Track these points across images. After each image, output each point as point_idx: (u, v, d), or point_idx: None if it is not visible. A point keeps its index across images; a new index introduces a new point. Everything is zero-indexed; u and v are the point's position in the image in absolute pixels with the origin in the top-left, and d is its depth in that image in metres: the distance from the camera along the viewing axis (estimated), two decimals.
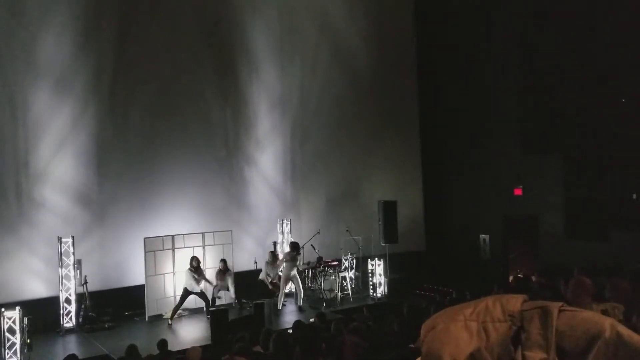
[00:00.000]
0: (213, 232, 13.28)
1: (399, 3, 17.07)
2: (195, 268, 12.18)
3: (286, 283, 13.09)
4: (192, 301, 12.65)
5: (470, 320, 1.22)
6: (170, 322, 11.98)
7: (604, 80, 12.54)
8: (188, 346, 8.28)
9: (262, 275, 13.11)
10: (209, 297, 12.44)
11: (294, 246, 13.20)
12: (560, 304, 1.20)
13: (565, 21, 13.24)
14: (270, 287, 13.02)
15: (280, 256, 13.49)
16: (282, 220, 14.53)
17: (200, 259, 12.70)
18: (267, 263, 13.14)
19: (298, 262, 13.18)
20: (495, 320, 1.21)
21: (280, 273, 13.13)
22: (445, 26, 16.63)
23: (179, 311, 12.40)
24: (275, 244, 14.29)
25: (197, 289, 12.17)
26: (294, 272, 13.02)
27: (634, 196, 12.43)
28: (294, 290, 14.11)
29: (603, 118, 12.56)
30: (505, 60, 14.91)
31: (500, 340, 1.18)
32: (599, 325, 1.13)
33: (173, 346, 9.51)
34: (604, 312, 4.40)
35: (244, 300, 12.82)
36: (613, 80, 12.46)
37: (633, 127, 12.20)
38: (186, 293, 12.14)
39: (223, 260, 12.67)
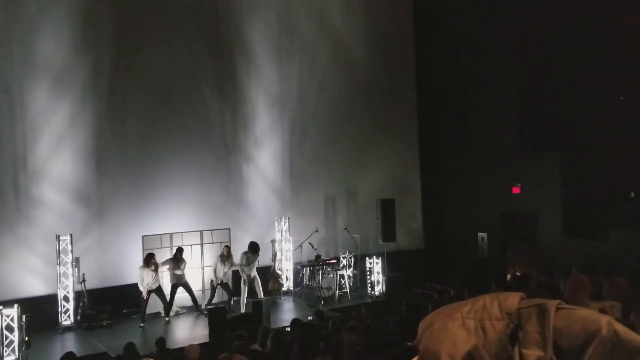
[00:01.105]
0: (211, 230, 13.29)
1: (398, 1, 17.06)
2: (155, 266, 11.71)
3: (245, 285, 12.43)
4: (190, 298, 12.64)
5: (468, 318, 1.22)
6: (167, 319, 11.97)
7: (602, 78, 12.54)
8: (186, 344, 8.28)
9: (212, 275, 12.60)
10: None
11: (253, 247, 12.56)
12: (557, 301, 1.20)
13: (564, 20, 13.23)
14: (216, 287, 12.56)
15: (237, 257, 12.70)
16: (281, 218, 14.52)
17: (198, 256, 12.71)
18: (219, 257, 12.52)
19: (255, 264, 12.68)
20: (492, 318, 1.20)
21: (229, 274, 12.61)
22: (444, 26, 16.62)
23: (177, 309, 12.42)
24: (273, 242, 14.28)
25: (154, 286, 11.80)
26: (254, 273, 12.58)
27: (632, 195, 12.45)
28: (285, 288, 14.13)
29: (601, 116, 12.56)
30: (503, 60, 14.91)
31: (497, 338, 1.18)
32: (596, 323, 1.13)
33: (171, 344, 9.54)
34: (602, 311, 4.40)
35: (235, 298, 12.77)
36: (611, 78, 12.47)
37: (631, 125, 12.21)
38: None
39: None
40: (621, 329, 1.12)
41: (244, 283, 12.49)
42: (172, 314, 12.26)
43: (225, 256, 12.56)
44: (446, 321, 1.24)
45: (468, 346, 1.18)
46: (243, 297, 12.44)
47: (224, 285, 12.59)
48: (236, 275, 12.80)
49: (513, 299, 1.23)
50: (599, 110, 12.61)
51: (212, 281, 12.71)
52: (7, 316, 9.62)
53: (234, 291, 12.70)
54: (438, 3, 16.86)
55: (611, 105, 12.53)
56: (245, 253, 12.53)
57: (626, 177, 12.34)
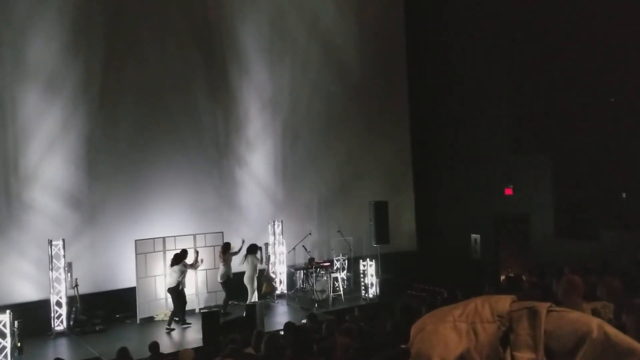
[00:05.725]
0: (204, 233, 13.25)
1: (389, 4, 17.10)
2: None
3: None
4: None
5: (460, 321, 1.23)
6: (185, 325, 11.91)
7: (592, 80, 12.60)
8: (180, 348, 8.26)
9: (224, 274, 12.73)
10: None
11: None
12: (548, 304, 1.20)
13: (555, 22, 13.30)
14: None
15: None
16: (274, 221, 14.51)
17: (191, 259, 12.73)
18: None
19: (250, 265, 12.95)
20: (484, 321, 1.21)
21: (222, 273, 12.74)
22: (436, 28, 16.66)
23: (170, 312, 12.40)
24: (267, 245, 14.25)
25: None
26: (245, 275, 12.93)
27: (623, 195, 12.52)
28: (278, 291, 14.17)
29: (592, 118, 12.63)
30: (495, 62, 14.96)
31: (489, 341, 1.18)
32: (587, 325, 1.13)
33: (165, 349, 9.49)
34: (595, 311, 4.42)
35: (236, 302, 12.78)
36: (601, 80, 12.53)
37: (621, 126, 12.28)
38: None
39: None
40: (611, 330, 1.12)
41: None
42: (163, 317, 12.27)
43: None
44: (438, 325, 1.24)
45: (460, 349, 1.18)
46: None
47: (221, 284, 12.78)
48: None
49: (504, 302, 1.23)
50: (591, 112, 12.67)
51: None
52: (0, 321, 9.57)
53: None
54: (430, 6, 16.90)
55: (602, 107, 12.60)
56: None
57: (617, 177, 12.41)
